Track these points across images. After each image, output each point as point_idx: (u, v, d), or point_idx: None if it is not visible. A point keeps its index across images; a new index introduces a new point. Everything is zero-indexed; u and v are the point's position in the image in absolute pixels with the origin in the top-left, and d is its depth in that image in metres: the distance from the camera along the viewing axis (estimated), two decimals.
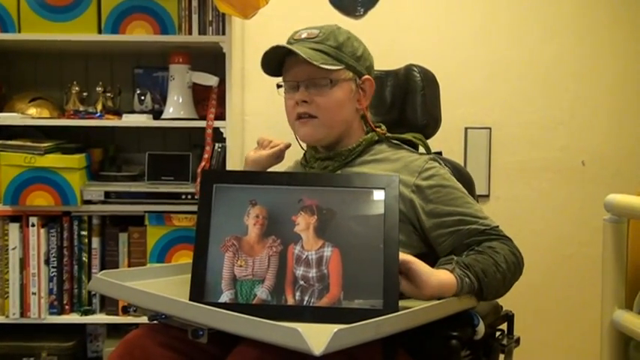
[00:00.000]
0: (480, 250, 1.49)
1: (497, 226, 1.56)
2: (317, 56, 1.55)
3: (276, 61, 1.61)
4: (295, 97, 1.61)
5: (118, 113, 2.45)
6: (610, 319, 1.68)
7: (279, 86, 1.65)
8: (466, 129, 2.70)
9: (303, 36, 1.60)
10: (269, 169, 1.77)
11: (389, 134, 1.71)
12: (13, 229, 2.30)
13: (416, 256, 1.54)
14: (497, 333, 1.66)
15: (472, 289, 1.41)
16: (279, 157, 1.77)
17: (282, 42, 1.61)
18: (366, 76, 1.64)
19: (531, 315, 2.60)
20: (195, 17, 2.33)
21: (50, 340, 2.38)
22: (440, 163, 1.65)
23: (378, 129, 1.70)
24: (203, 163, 2.31)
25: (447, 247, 1.54)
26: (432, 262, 1.48)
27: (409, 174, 1.56)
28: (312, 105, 1.60)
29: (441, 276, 1.38)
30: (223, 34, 2.32)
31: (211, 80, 2.37)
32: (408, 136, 1.72)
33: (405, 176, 1.53)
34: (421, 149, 1.75)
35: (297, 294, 1.33)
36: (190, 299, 1.33)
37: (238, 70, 2.60)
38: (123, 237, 2.36)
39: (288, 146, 1.74)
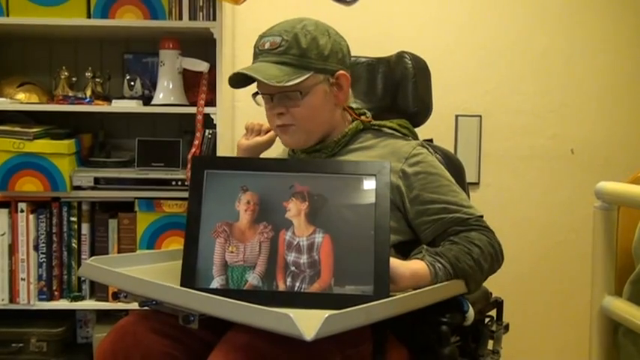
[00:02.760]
0: (455, 241, 1.49)
1: (481, 216, 1.56)
2: (279, 72, 1.51)
3: (243, 76, 1.56)
4: (271, 111, 1.61)
5: (108, 99, 2.44)
6: (599, 306, 1.69)
7: (254, 95, 1.62)
8: (457, 116, 2.71)
9: (267, 46, 1.55)
10: (261, 155, 1.77)
11: (374, 122, 1.70)
12: (2, 214, 2.29)
13: (405, 242, 1.56)
14: (487, 319, 1.67)
15: (448, 276, 1.42)
16: (272, 142, 1.76)
17: (271, 29, 1.59)
18: (340, 72, 1.59)
19: (521, 302, 2.61)
20: (185, 2, 2.31)
21: (39, 326, 2.38)
22: (428, 149, 1.65)
23: (362, 117, 1.70)
24: (193, 150, 2.30)
25: (429, 234, 1.54)
26: None
27: (397, 160, 1.56)
28: (288, 115, 1.58)
29: (412, 265, 1.40)
30: (214, 19, 2.30)
31: (202, 66, 2.35)
32: (394, 124, 1.71)
33: (392, 162, 1.52)
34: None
35: (288, 280, 1.34)
36: (181, 285, 1.33)
37: (229, 55, 2.59)
38: (113, 223, 2.35)
39: None
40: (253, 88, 1.62)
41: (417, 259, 1.42)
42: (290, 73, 1.52)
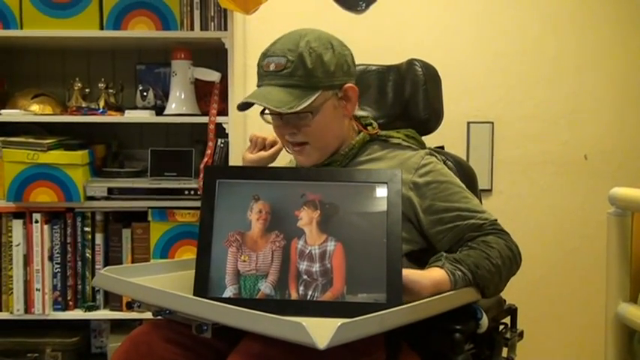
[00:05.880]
0: (473, 246, 1.49)
1: (496, 220, 1.55)
2: (288, 97, 1.49)
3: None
4: (282, 130, 1.59)
5: (121, 109, 2.46)
6: (614, 313, 1.68)
7: (262, 114, 1.60)
8: (468, 123, 2.70)
9: (272, 68, 1.52)
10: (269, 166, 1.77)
11: (381, 132, 1.69)
12: (17, 225, 2.30)
13: (417, 251, 1.55)
14: (501, 327, 1.66)
15: (467, 283, 1.41)
16: (276, 157, 1.75)
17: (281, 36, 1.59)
18: (347, 85, 1.57)
19: (535, 309, 2.60)
20: (196, 13, 2.33)
21: (54, 336, 2.39)
22: (436, 157, 1.64)
23: (369, 127, 1.69)
24: (206, 159, 2.31)
25: (445, 243, 1.54)
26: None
27: (406, 171, 1.55)
28: (300, 134, 1.57)
29: (434, 275, 1.39)
30: (225, 29, 2.32)
31: (213, 76, 2.37)
32: (400, 134, 1.70)
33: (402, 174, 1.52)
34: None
35: (301, 288, 1.34)
36: (194, 294, 1.33)
37: (240, 65, 2.60)
38: (126, 233, 2.36)
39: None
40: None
41: (437, 266, 1.42)
42: (299, 96, 1.50)
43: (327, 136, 1.60)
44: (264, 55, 1.56)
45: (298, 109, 1.49)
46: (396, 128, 1.74)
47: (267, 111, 1.58)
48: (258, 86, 1.57)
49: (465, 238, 1.52)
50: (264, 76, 1.55)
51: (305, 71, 1.50)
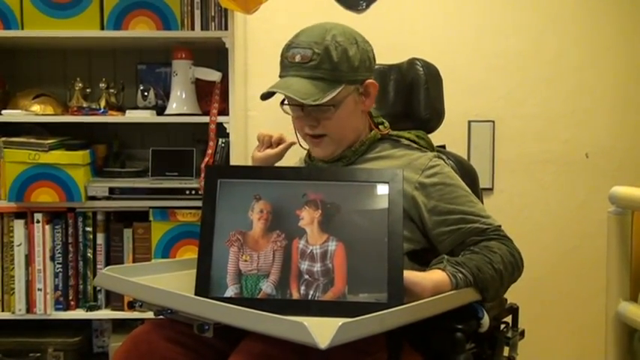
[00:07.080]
0: (475, 251, 1.49)
1: (500, 226, 1.56)
2: (314, 89, 1.51)
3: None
4: (303, 121, 1.61)
5: (122, 109, 2.46)
6: (615, 311, 1.68)
7: (282, 104, 1.61)
8: (469, 122, 2.70)
9: (297, 59, 1.53)
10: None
11: (392, 132, 1.71)
12: (19, 225, 2.31)
13: (419, 251, 1.56)
14: (502, 326, 1.66)
15: (468, 285, 1.41)
16: (283, 155, 1.76)
17: (285, 39, 1.59)
18: (369, 81, 1.60)
19: (536, 308, 2.60)
20: (197, 12, 2.33)
21: (56, 336, 2.40)
22: (444, 160, 1.65)
23: (381, 126, 1.70)
24: (207, 159, 2.31)
25: (447, 245, 1.54)
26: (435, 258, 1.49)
27: (413, 171, 1.56)
28: (320, 127, 1.59)
29: (434, 277, 1.39)
30: (226, 29, 2.32)
31: (214, 76, 2.37)
32: (411, 135, 1.71)
33: (408, 173, 1.53)
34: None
35: (302, 288, 1.34)
36: (196, 294, 1.33)
37: (241, 65, 2.60)
38: (127, 233, 2.37)
39: (293, 143, 1.74)
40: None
41: (439, 269, 1.42)
42: (324, 88, 1.52)
43: (346, 130, 1.61)
44: (289, 46, 1.57)
45: (323, 101, 1.51)
46: (397, 127, 1.74)
47: (286, 102, 1.59)
48: (282, 77, 1.59)
49: (467, 241, 1.53)
50: (289, 67, 1.56)
51: (331, 65, 1.52)
